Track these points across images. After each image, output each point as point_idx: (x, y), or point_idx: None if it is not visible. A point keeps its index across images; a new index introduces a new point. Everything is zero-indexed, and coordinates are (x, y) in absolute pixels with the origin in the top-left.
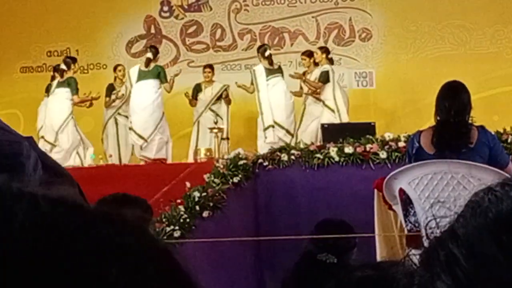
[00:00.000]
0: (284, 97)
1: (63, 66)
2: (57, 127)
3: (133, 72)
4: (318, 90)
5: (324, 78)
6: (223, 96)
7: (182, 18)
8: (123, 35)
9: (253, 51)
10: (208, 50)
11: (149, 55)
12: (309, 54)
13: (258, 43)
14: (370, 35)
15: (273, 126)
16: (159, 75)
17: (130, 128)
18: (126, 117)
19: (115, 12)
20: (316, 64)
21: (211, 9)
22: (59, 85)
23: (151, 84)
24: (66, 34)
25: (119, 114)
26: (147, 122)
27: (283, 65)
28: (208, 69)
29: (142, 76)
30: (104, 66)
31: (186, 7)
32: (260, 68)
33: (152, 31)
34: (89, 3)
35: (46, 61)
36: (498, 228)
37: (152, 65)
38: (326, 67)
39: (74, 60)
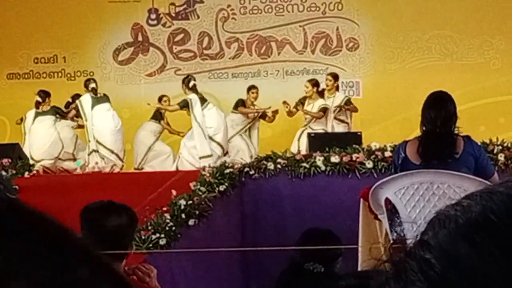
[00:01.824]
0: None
1: (38, 98)
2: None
3: (86, 100)
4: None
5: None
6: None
7: (170, 26)
8: (110, 43)
9: (240, 60)
10: (195, 58)
11: (93, 85)
12: (315, 83)
13: (246, 52)
14: (357, 44)
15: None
16: (109, 99)
17: (99, 143)
18: None
19: (102, 20)
20: (320, 94)
21: (198, 17)
22: (40, 114)
23: (109, 107)
24: (54, 41)
25: None
26: (117, 144)
27: (270, 74)
28: (255, 89)
29: (96, 102)
30: (91, 73)
31: (173, 15)
32: (195, 97)
33: (140, 38)
34: (76, 10)
35: (33, 68)
36: (470, 230)
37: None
38: (322, 101)
39: (47, 94)
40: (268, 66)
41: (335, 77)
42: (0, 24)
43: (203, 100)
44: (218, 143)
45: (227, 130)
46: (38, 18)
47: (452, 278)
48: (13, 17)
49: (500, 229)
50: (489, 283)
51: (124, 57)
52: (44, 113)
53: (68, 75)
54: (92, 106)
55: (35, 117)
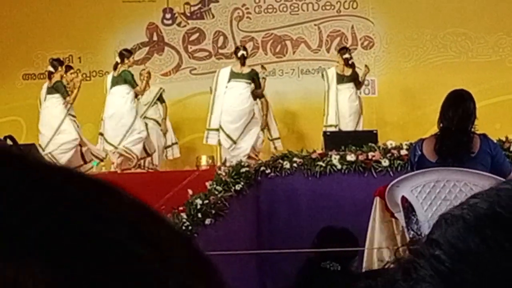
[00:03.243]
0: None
1: (50, 68)
2: (54, 130)
3: (108, 79)
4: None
5: None
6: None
7: (185, 26)
8: (125, 43)
9: (256, 59)
10: (211, 57)
11: (118, 59)
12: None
13: (261, 51)
14: (372, 43)
15: (218, 130)
16: (126, 80)
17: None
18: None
19: (117, 20)
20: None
21: (213, 16)
22: (49, 91)
23: (121, 91)
24: (69, 41)
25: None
26: (118, 129)
27: (285, 73)
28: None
29: (114, 82)
30: (107, 74)
31: (188, 14)
32: (226, 72)
33: (155, 38)
34: (91, 10)
35: (49, 69)
36: (479, 225)
37: (120, 69)
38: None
39: (60, 62)
40: (283, 65)
41: (341, 51)
42: (15, 25)
43: (235, 75)
44: (226, 133)
45: (238, 118)
46: (53, 18)
47: (463, 271)
48: (28, 18)
49: (509, 222)
50: (501, 275)
51: (139, 57)
52: (54, 90)
53: (84, 75)
54: (111, 87)
55: (47, 93)
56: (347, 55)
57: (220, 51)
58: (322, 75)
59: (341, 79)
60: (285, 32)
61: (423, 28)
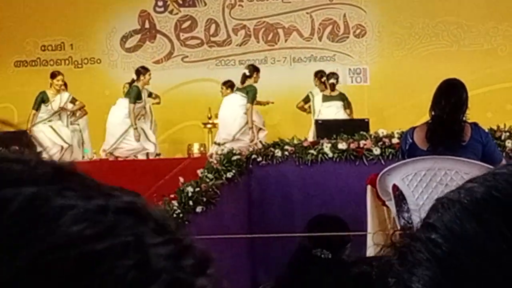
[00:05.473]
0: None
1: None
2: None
3: None
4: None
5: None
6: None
7: (177, 13)
8: (117, 30)
9: (247, 47)
10: (203, 45)
11: (136, 76)
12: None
13: (253, 39)
14: (364, 31)
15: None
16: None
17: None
18: None
19: (109, 7)
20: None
21: (205, 4)
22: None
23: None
24: (61, 28)
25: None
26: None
27: (277, 61)
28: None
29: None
30: (98, 61)
31: (180, 2)
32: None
33: (147, 26)
34: None
35: (40, 56)
36: (476, 209)
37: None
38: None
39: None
40: (275, 53)
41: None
42: (7, 12)
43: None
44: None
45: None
46: (45, 5)
47: (460, 255)
48: (20, 5)
49: (506, 205)
50: (499, 259)
51: (131, 45)
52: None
53: (76, 63)
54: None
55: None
56: (332, 80)
57: (212, 39)
58: (307, 96)
59: (328, 99)
60: (277, 20)
61: (415, 17)
